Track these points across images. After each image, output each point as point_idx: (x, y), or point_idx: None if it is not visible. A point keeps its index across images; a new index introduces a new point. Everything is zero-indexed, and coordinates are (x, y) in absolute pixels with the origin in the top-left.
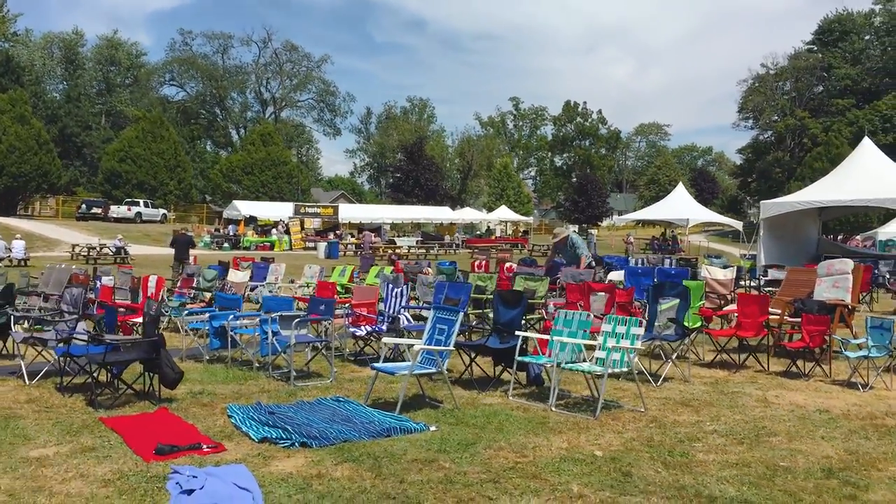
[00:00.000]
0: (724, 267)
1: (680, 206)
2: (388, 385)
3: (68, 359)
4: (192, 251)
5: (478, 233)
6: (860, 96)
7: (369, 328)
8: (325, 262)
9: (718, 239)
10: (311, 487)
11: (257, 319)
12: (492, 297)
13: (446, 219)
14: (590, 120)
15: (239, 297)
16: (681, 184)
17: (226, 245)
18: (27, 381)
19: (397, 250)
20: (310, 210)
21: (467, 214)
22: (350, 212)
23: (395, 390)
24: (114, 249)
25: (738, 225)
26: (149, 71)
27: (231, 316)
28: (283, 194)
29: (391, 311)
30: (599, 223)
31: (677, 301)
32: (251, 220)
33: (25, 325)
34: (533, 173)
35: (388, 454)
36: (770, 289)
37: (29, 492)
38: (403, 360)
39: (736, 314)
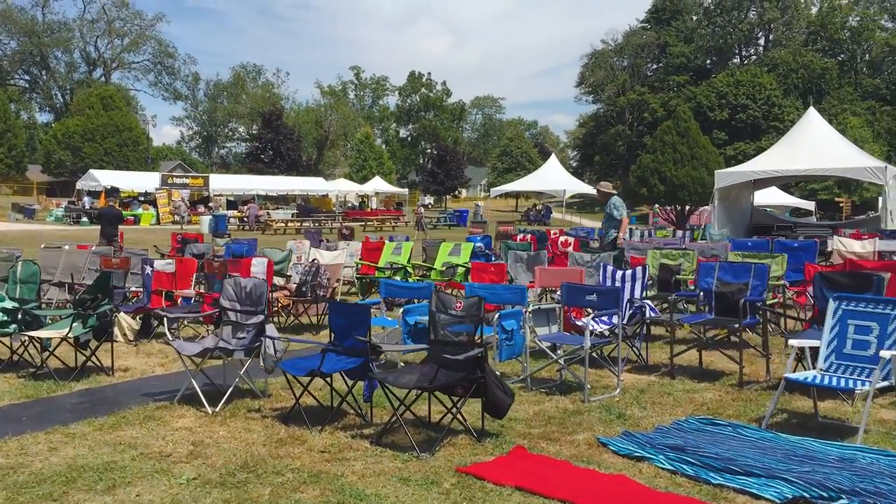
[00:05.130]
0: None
1: (555, 177)
2: (639, 395)
3: (314, 378)
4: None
5: (350, 205)
6: (693, 73)
7: (605, 322)
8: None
9: (576, 211)
10: None
11: None
12: (690, 276)
13: (321, 190)
14: (434, 91)
15: (523, 288)
16: (553, 156)
17: (84, 220)
18: (210, 409)
19: (347, 224)
20: (178, 181)
21: (342, 186)
22: (220, 183)
23: (673, 402)
24: None
25: None
26: None
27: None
28: (130, 163)
29: (628, 298)
30: (458, 194)
31: None
32: (113, 192)
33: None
34: (378, 144)
35: None
36: None
37: None
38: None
39: None
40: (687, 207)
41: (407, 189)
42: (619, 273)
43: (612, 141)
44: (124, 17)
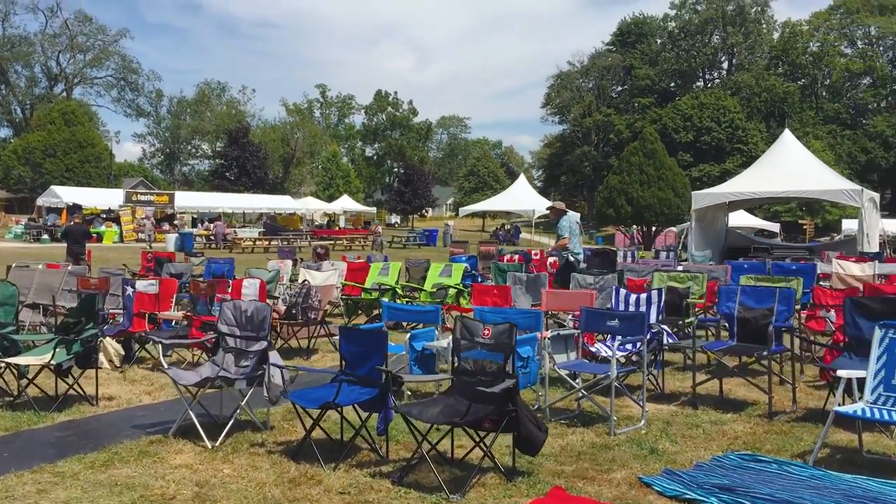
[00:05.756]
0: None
1: (524, 197)
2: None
3: (327, 411)
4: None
5: (317, 223)
6: (658, 96)
7: (621, 349)
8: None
9: (544, 231)
10: None
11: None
12: (700, 300)
13: (289, 208)
14: (401, 110)
15: (538, 313)
16: (522, 175)
17: (45, 237)
18: (209, 443)
19: (320, 243)
20: (142, 198)
21: (310, 204)
22: (185, 200)
23: (689, 436)
24: None
25: (576, 216)
26: None
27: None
28: (92, 179)
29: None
30: (424, 213)
31: None
32: (75, 209)
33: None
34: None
35: None
36: None
37: None
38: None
39: None
40: (654, 228)
41: (375, 208)
42: (634, 297)
43: (579, 161)
44: (87, 32)
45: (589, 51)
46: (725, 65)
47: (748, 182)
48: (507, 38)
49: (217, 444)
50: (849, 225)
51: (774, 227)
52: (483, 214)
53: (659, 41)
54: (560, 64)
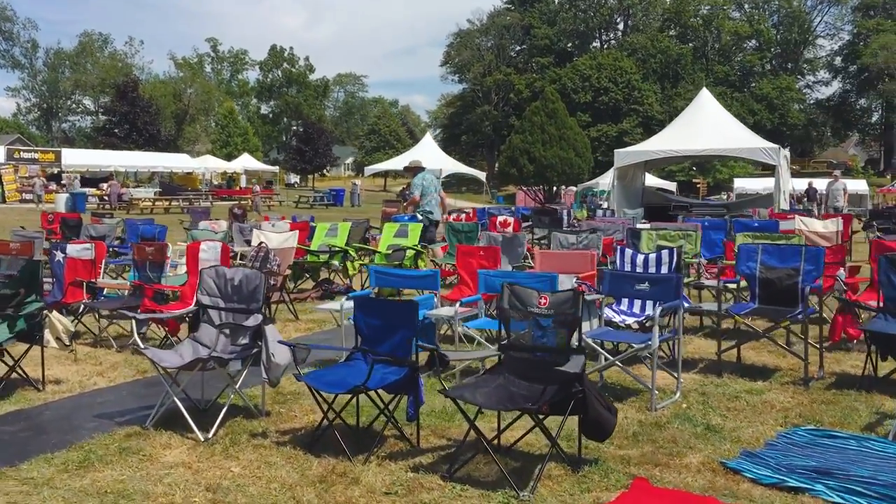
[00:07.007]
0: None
1: (430, 156)
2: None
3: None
4: None
5: (217, 184)
6: (556, 56)
7: (635, 315)
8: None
9: (449, 191)
10: None
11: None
12: (693, 260)
13: (187, 167)
14: (297, 66)
15: (554, 276)
16: (428, 134)
17: None
18: (201, 435)
19: (236, 203)
20: (26, 155)
21: (209, 163)
22: (74, 158)
23: (723, 407)
24: None
25: (481, 176)
26: None
27: (457, 303)
28: None
29: None
30: (325, 173)
31: None
32: None
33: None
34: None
35: None
36: None
37: None
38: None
39: None
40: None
41: (277, 167)
42: (641, 257)
43: (479, 121)
44: None
45: (488, 9)
46: (621, 26)
47: (668, 141)
48: None
49: (210, 435)
50: (740, 183)
51: (671, 185)
52: (385, 174)
53: (557, 1)
54: (460, 22)
